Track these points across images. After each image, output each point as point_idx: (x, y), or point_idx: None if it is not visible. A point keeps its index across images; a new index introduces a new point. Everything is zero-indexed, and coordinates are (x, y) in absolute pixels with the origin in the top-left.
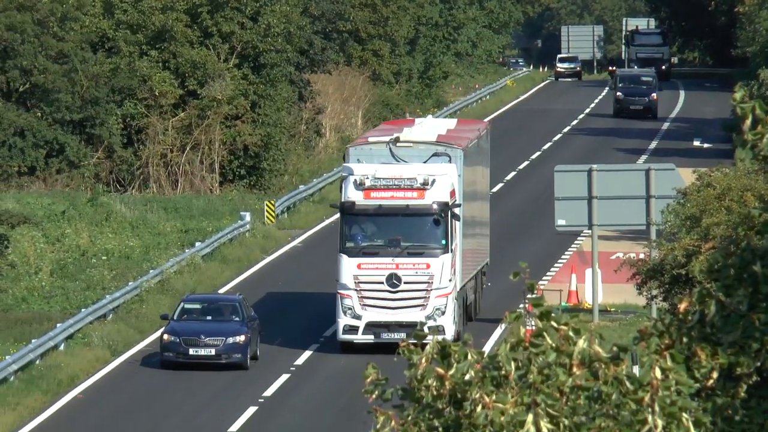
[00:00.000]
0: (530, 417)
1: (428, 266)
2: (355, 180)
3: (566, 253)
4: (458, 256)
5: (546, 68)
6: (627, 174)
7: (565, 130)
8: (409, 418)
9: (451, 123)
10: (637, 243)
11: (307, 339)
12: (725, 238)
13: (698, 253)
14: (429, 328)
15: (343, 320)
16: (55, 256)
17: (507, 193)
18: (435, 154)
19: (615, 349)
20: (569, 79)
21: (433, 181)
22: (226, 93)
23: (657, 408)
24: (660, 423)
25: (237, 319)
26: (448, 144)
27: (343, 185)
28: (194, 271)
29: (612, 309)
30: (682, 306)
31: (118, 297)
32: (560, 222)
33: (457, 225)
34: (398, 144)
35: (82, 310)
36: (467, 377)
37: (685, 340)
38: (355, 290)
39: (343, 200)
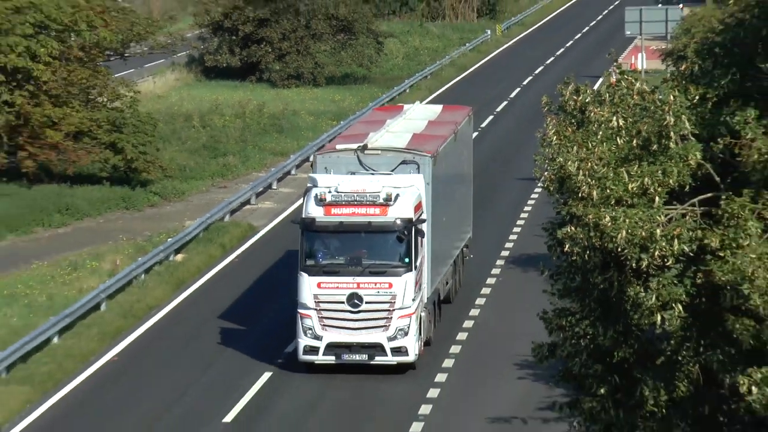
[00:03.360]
0: (614, 118)
1: (390, 285)
2: (316, 195)
3: (629, 47)
4: (426, 268)
5: None
6: None
7: None
8: (561, 119)
9: (435, 111)
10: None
11: None
12: None
13: None
14: (391, 349)
15: (304, 341)
16: (404, 50)
17: None
18: (403, 162)
19: (652, 86)
20: None
21: (397, 196)
22: None
23: (671, 113)
24: (671, 120)
25: None
26: (416, 151)
27: (305, 199)
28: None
29: (649, 71)
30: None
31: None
32: (627, 32)
33: (422, 241)
34: (366, 151)
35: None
36: (587, 99)
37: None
38: (315, 310)
39: (303, 216)
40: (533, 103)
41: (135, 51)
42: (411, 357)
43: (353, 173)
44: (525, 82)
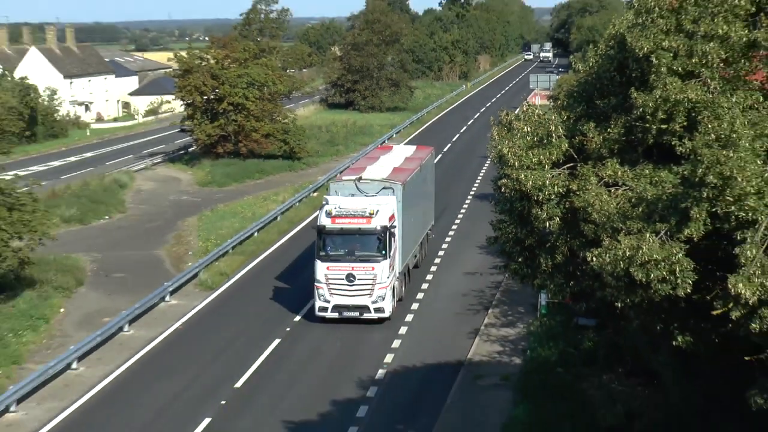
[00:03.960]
0: (525, 127)
1: (373, 269)
2: (326, 210)
3: (532, 93)
4: (398, 254)
5: None
6: None
7: None
8: (500, 127)
9: (411, 150)
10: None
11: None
12: None
13: None
14: (374, 309)
15: (318, 303)
16: (423, 95)
17: None
18: (384, 188)
19: (544, 112)
20: None
21: (377, 211)
22: None
23: (553, 125)
24: (553, 128)
25: None
26: (392, 181)
27: (319, 212)
28: (446, 102)
29: (541, 105)
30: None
31: None
32: (531, 86)
33: (394, 239)
34: (361, 181)
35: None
36: (512, 117)
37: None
38: (326, 284)
39: (318, 224)
40: (485, 120)
41: (294, 95)
42: (387, 314)
43: (353, 195)
44: (482, 110)
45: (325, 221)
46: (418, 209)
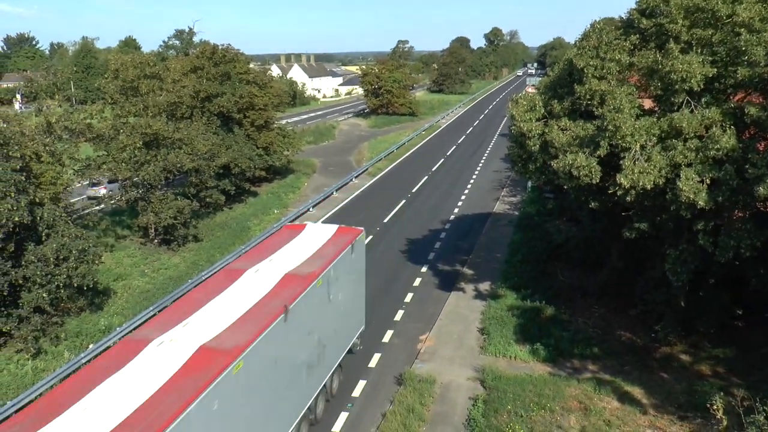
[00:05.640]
0: (524, 102)
1: None
2: None
3: (527, 86)
4: None
5: None
6: None
7: None
8: (513, 103)
9: (321, 241)
10: None
11: None
12: None
13: None
14: None
15: None
16: (476, 86)
17: None
18: None
19: (533, 94)
20: None
21: None
22: None
23: (538, 100)
24: (539, 102)
25: None
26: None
27: None
28: (485, 91)
29: (531, 92)
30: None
31: None
32: (527, 84)
33: None
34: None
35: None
36: (518, 98)
37: None
38: None
39: None
40: (503, 101)
41: (415, 86)
42: None
43: None
44: (503, 94)
45: None
46: (311, 345)
